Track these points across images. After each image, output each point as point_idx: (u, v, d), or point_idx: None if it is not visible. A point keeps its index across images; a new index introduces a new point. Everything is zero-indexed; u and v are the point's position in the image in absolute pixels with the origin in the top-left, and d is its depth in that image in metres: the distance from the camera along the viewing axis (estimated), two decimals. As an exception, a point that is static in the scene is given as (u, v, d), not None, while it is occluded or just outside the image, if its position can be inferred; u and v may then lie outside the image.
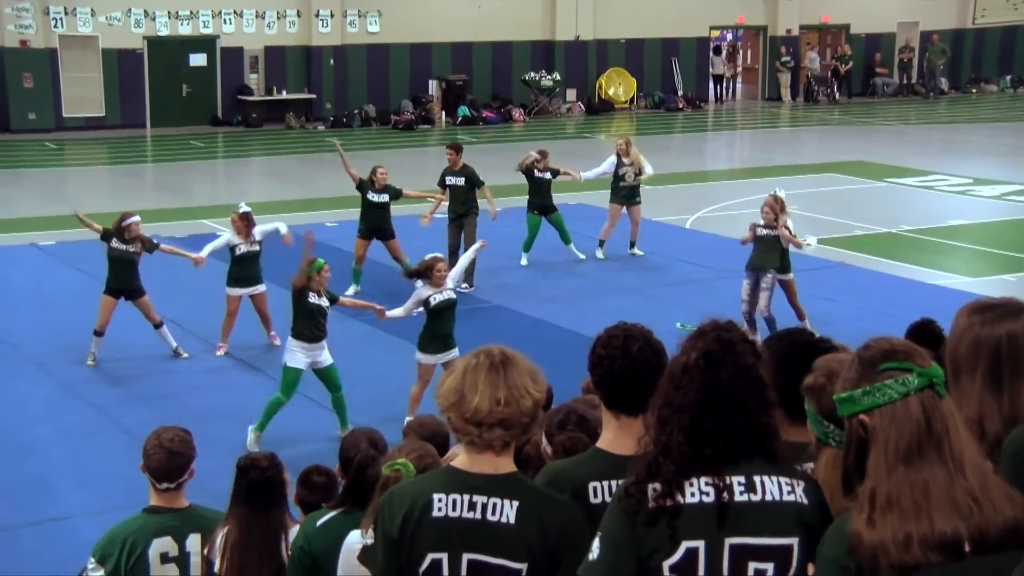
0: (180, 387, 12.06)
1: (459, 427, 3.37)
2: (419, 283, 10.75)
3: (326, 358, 10.64)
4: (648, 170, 17.08)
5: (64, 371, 12.53)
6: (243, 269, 12.87)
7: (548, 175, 16.43)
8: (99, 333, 12.62)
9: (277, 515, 5.20)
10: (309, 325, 10.54)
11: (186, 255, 13.19)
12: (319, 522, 4.97)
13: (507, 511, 3.33)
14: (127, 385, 12.17)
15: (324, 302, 10.65)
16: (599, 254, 17.01)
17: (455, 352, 10.58)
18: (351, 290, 14.76)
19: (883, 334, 2.91)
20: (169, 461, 5.10)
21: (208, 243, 13.36)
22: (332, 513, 4.94)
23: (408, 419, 8.83)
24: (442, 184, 15.70)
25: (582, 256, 16.73)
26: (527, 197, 16.63)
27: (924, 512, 2.65)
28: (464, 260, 12.32)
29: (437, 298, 10.63)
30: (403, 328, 11.92)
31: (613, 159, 16.99)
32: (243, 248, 12.92)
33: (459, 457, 3.47)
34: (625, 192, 16.92)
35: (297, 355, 10.55)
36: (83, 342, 12.77)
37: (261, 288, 13.07)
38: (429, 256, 10.94)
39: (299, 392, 10.74)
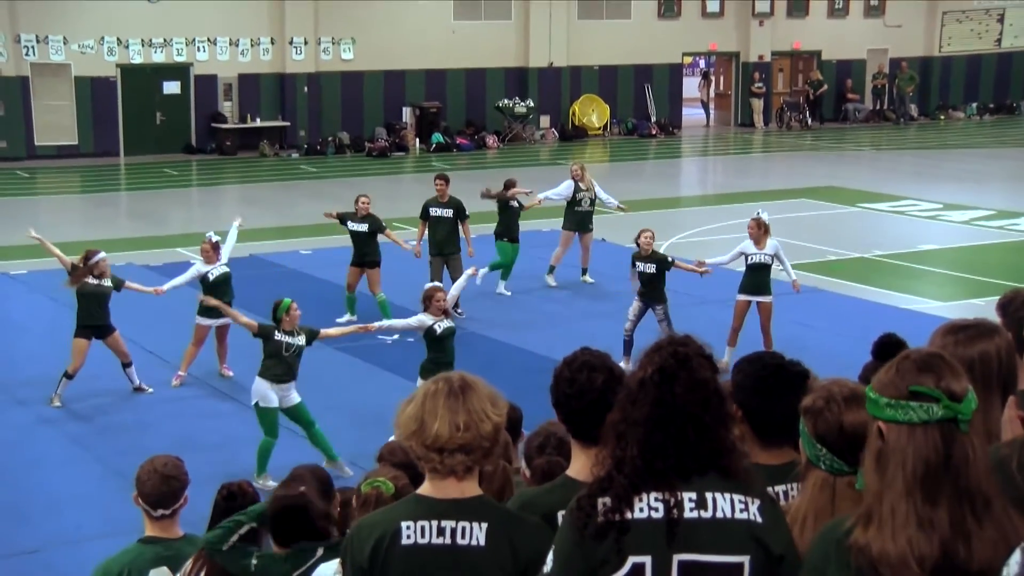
0: (152, 416, 12.00)
1: (421, 454, 3.38)
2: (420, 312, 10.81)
3: (294, 397, 10.50)
4: (607, 200, 17.19)
5: (36, 401, 12.43)
6: (216, 296, 12.80)
7: (517, 204, 16.35)
8: (70, 376, 12.36)
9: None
10: (278, 365, 10.41)
11: (147, 291, 13.07)
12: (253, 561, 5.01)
13: (477, 534, 3.35)
14: (100, 415, 12.09)
15: (299, 340, 10.50)
16: (550, 281, 16.97)
17: None
18: (345, 318, 14.64)
19: (914, 348, 2.88)
20: (164, 485, 5.06)
21: (178, 275, 13.32)
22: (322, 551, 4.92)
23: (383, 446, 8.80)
24: (424, 216, 15.46)
25: (508, 293, 16.44)
26: (495, 226, 16.58)
27: (936, 537, 2.65)
28: (456, 289, 12.31)
29: (442, 325, 10.65)
30: (372, 354, 11.90)
31: (571, 183, 16.94)
32: (215, 272, 12.86)
33: (424, 484, 3.47)
34: (579, 219, 16.93)
35: (268, 395, 10.39)
36: (55, 372, 12.67)
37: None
38: (429, 286, 11.01)
39: (285, 427, 10.65)
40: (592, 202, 16.99)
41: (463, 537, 3.34)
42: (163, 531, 5.13)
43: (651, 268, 13.28)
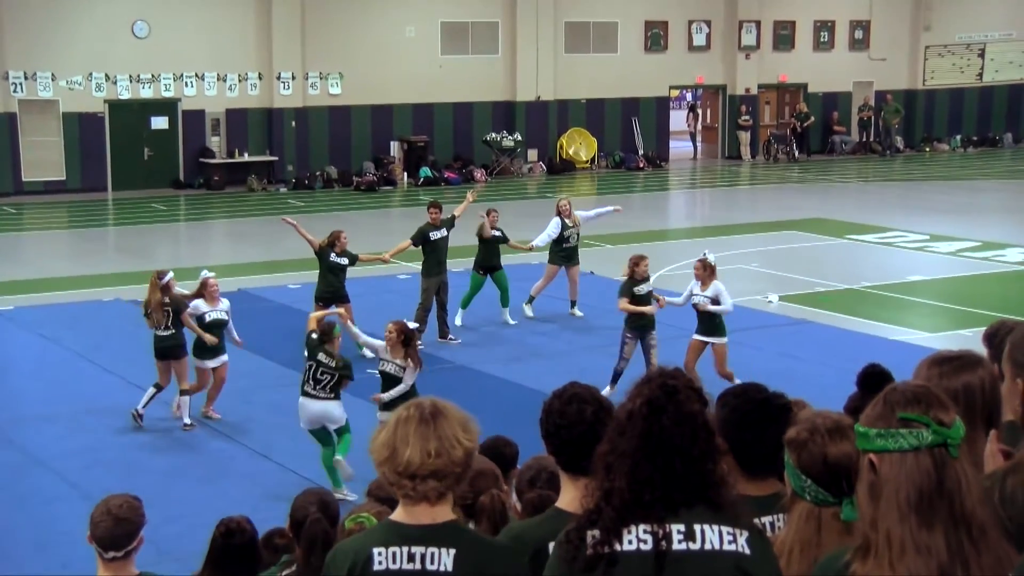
0: (143, 451, 11.95)
1: (393, 480, 3.42)
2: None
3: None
4: (600, 212, 17.96)
5: (23, 437, 12.38)
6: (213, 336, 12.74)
7: (498, 233, 16.46)
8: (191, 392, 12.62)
9: None
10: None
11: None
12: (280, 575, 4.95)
13: (444, 560, 3.38)
14: (89, 451, 12.00)
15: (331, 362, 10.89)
16: (528, 311, 16.94)
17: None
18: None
19: (900, 381, 2.89)
20: (116, 528, 4.93)
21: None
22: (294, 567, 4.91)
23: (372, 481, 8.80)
24: (424, 241, 15.64)
25: (513, 321, 16.56)
26: (473, 257, 16.65)
27: (935, 563, 2.65)
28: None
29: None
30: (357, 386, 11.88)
31: (558, 221, 17.01)
32: (212, 315, 12.82)
33: (397, 510, 3.51)
34: (567, 253, 17.04)
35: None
36: (42, 409, 12.62)
37: (225, 358, 12.95)
38: (396, 324, 10.99)
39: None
40: (579, 236, 17.11)
41: (432, 563, 3.38)
42: (115, 572, 4.99)
43: (643, 289, 13.33)
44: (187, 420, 12.45)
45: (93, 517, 5.02)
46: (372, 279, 18.34)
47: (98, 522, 4.97)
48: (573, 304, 17.13)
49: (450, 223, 15.97)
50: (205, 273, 13.17)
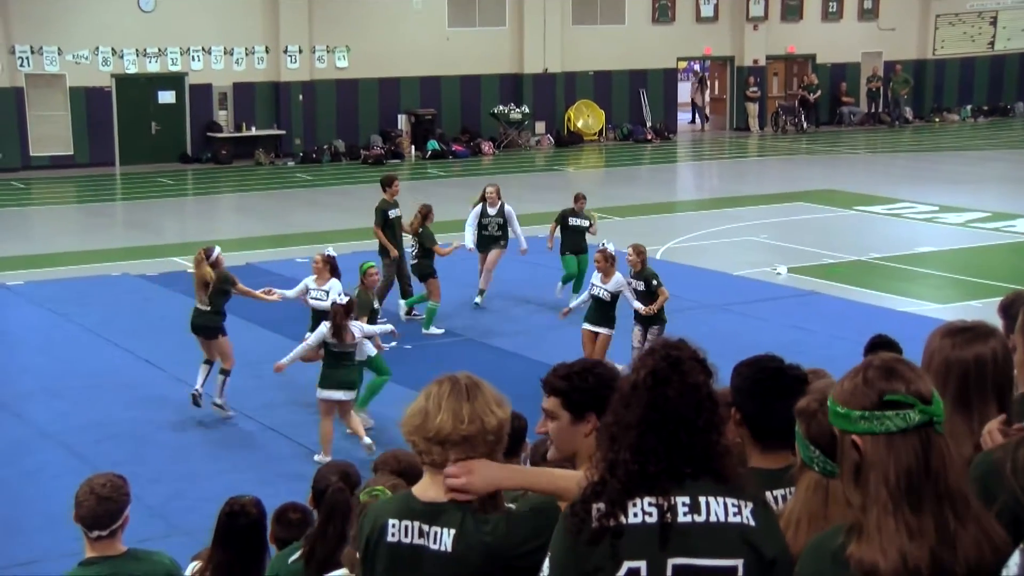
0: (152, 425, 11.96)
1: (422, 448, 3.42)
2: None
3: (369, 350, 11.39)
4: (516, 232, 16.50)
5: (33, 412, 12.41)
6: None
7: (585, 222, 16.10)
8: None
9: (258, 561, 5.16)
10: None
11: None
12: (291, 559, 4.95)
13: (445, 540, 3.39)
14: (98, 426, 12.00)
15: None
16: (478, 300, 16.17)
17: None
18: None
19: (881, 354, 2.86)
20: (99, 507, 4.91)
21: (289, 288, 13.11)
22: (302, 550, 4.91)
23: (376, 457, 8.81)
24: (384, 221, 15.48)
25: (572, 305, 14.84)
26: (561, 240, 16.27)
27: (926, 545, 2.64)
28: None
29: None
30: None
31: (477, 210, 16.31)
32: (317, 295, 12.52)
33: (419, 482, 3.52)
34: (484, 241, 16.30)
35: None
36: (52, 384, 12.62)
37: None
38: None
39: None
40: (502, 227, 16.24)
41: (435, 541, 3.40)
42: (102, 551, 4.97)
43: (640, 286, 12.70)
44: (218, 400, 12.06)
45: (77, 497, 4.99)
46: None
47: (82, 502, 4.95)
48: (481, 292, 16.27)
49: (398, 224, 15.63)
50: (329, 251, 12.95)
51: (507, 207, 16.40)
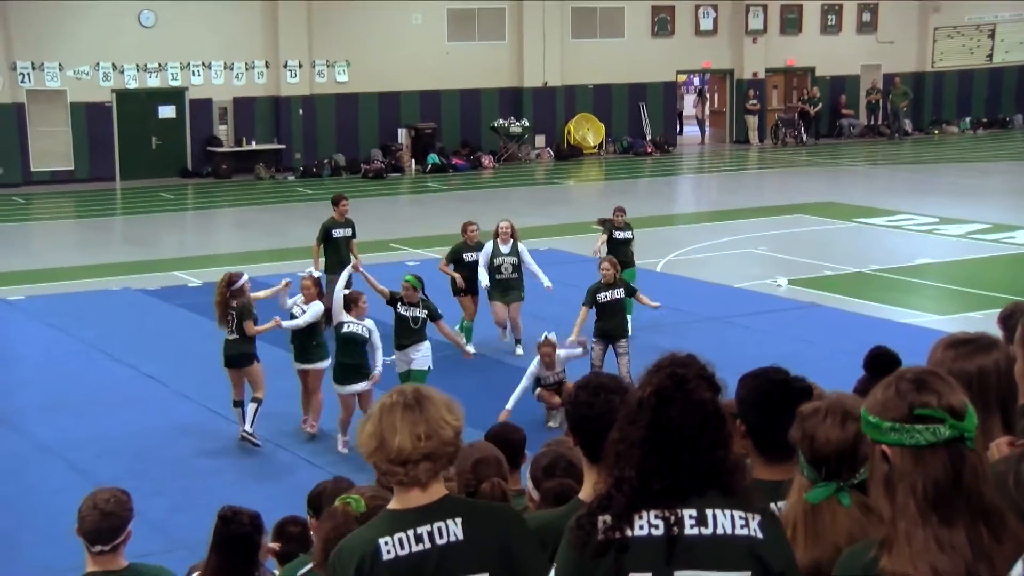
0: (152, 440, 11.93)
1: (385, 469, 3.41)
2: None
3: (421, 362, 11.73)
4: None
5: (32, 426, 12.39)
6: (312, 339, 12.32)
7: (628, 234, 15.73)
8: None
9: (249, 573, 5.14)
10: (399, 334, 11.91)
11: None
12: (299, 573, 4.93)
13: (453, 529, 3.39)
14: (97, 440, 11.97)
15: (419, 313, 11.88)
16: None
17: None
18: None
19: (915, 366, 2.85)
20: (103, 522, 4.91)
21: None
22: (311, 565, 4.90)
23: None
24: (327, 239, 15.26)
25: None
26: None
27: (959, 559, 2.62)
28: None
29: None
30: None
31: (489, 246, 14.85)
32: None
33: (392, 500, 3.51)
34: (501, 287, 14.83)
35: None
36: (51, 399, 12.59)
37: (322, 365, 12.15)
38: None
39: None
40: (517, 268, 14.86)
41: (441, 537, 3.38)
42: (104, 565, 4.96)
43: (618, 294, 12.76)
44: (248, 428, 11.60)
45: (80, 511, 4.99)
46: (380, 267, 18.33)
47: (85, 516, 4.94)
48: (517, 342, 14.87)
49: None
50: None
51: (520, 245, 15.03)
